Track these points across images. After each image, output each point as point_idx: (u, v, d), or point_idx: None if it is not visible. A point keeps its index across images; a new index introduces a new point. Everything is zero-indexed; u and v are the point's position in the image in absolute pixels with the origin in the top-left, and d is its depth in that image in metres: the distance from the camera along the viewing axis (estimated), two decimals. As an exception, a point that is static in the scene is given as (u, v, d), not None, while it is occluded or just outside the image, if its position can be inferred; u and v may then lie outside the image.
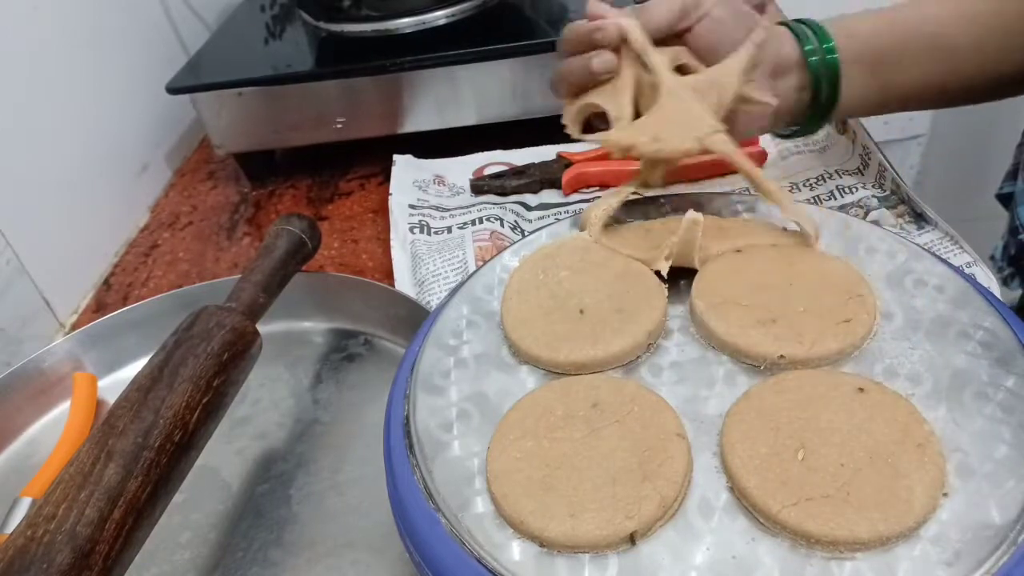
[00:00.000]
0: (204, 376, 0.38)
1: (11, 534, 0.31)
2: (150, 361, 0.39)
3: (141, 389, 0.37)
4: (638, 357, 0.37)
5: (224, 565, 0.42)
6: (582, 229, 0.44)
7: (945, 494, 0.29)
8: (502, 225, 0.60)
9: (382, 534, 0.42)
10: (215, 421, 0.39)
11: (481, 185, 0.65)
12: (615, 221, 0.44)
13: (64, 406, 0.53)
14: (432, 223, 0.62)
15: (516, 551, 0.30)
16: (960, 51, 0.48)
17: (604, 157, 0.65)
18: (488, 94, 0.69)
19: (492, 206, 0.63)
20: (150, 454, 0.35)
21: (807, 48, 0.47)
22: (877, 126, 0.60)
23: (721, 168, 0.63)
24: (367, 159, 0.75)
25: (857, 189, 0.58)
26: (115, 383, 0.54)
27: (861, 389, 0.32)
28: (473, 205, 0.64)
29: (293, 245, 0.51)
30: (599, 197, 0.62)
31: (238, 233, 0.69)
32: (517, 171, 0.66)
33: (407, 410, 0.36)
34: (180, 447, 0.36)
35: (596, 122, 0.46)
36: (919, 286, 0.38)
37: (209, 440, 0.39)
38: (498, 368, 0.37)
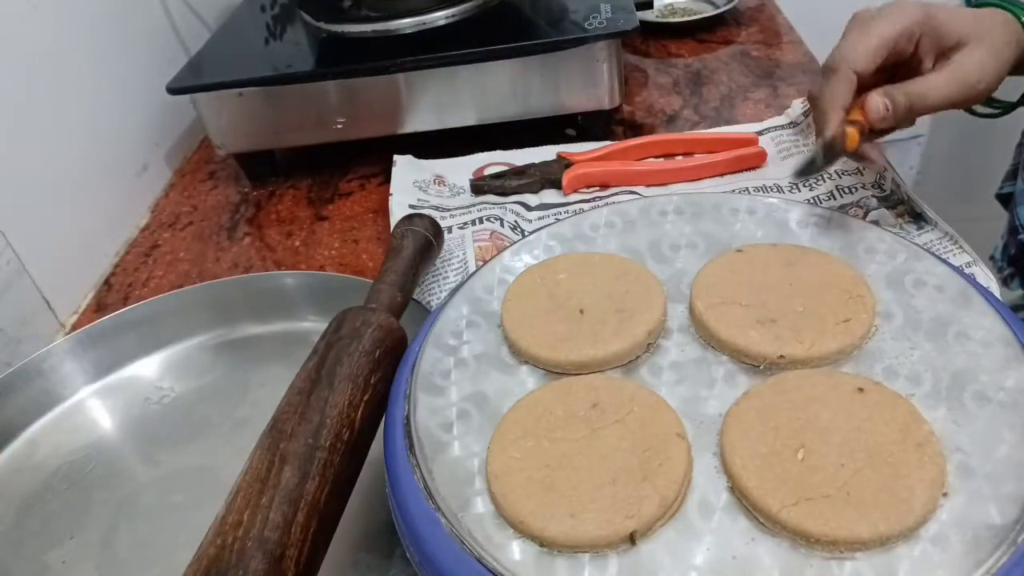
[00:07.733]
0: (361, 374, 0.38)
1: (200, 545, 0.31)
2: (304, 366, 0.38)
3: (302, 392, 0.36)
4: (638, 357, 0.37)
5: (225, 565, 0.42)
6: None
7: (945, 494, 0.29)
8: (502, 225, 0.60)
9: (382, 534, 0.42)
10: (378, 419, 0.38)
11: (481, 185, 0.65)
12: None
13: (64, 406, 0.53)
14: (432, 223, 0.62)
15: (516, 551, 0.30)
16: None
17: (604, 157, 0.65)
18: (488, 94, 0.69)
19: (492, 206, 0.63)
20: (323, 454, 0.34)
21: None
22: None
23: (721, 168, 0.63)
24: (367, 159, 0.75)
25: (857, 189, 0.58)
26: (117, 383, 0.54)
27: (861, 389, 0.32)
28: (473, 205, 0.64)
29: (420, 244, 0.51)
30: (599, 196, 0.63)
31: (239, 233, 0.69)
32: (517, 171, 0.66)
33: (407, 410, 0.36)
34: (350, 446, 0.36)
35: None
36: (919, 286, 0.38)
37: (370, 441, 0.38)
38: (498, 368, 0.37)
